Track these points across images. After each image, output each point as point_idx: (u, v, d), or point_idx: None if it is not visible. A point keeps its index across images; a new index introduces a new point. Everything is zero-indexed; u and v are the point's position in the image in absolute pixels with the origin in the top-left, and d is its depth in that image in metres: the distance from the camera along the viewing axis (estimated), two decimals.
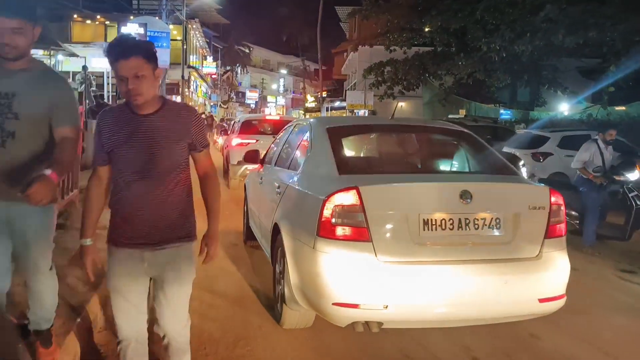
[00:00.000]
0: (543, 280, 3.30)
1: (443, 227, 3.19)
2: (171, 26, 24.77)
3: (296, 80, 79.02)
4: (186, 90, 26.55)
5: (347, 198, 3.15)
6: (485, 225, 3.26)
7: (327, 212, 3.14)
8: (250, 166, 6.64)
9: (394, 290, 3.09)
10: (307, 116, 52.82)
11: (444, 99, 22.30)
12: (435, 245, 3.21)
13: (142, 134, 2.28)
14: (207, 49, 39.63)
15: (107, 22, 24.77)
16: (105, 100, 17.51)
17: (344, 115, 41.28)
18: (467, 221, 3.22)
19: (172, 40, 24.54)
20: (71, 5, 25.46)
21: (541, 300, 3.24)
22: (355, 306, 3.05)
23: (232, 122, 18.62)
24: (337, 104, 40.86)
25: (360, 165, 4.26)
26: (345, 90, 47.17)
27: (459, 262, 3.19)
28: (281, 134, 5.75)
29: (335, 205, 3.14)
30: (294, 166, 4.32)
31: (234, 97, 65.14)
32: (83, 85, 15.55)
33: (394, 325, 3.38)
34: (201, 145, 2.44)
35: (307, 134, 4.28)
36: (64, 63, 20.20)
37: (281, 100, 77.93)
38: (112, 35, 22.80)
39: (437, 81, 23.13)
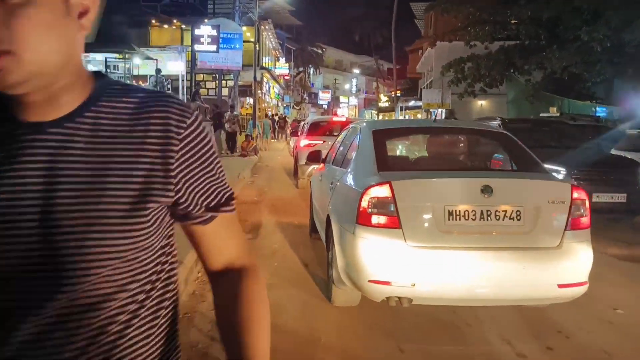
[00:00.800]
0: (563, 268, 3.54)
1: (466, 218, 3.53)
2: (244, 28, 24.63)
3: (369, 80, 78.16)
4: (259, 91, 26.27)
5: (381, 191, 3.58)
6: (506, 216, 3.53)
7: (364, 203, 3.58)
8: (317, 166, 6.97)
9: (421, 270, 3.48)
10: (381, 117, 51.88)
11: (531, 96, 20.47)
12: (458, 234, 3.55)
13: (28, 184, 0.79)
14: (280, 50, 39.55)
15: (183, 26, 25.01)
16: None
17: (419, 115, 39.98)
18: (489, 212, 3.52)
19: (244, 41, 24.38)
20: (150, 11, 26.08)
21: (560, 286, 3.48)
22: (387, 283, 3.48)
23: (302, 123, 18.18)
24: (412, 103, 39.44)
25: (397, 163, 4.71)
26: (421, 89, 45.68)
27: (479, 249, 3.53)
28: (340, 135, 6.27)
29: (371, 197, 3.58)
30: (345, 164, 4.75)
31: (307, 98, 65.17)
32: (157, 88, 15.53)
33: (422, 302, 3.68)
34: (213, 204, 0.96)
35: (357, 136, 4.77)
36: (142, 67, 20.44)
37: (353, 101, 77.27)
38: (187, 38, 22.93)
39: (524, 77, 21.39)
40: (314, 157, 6.50)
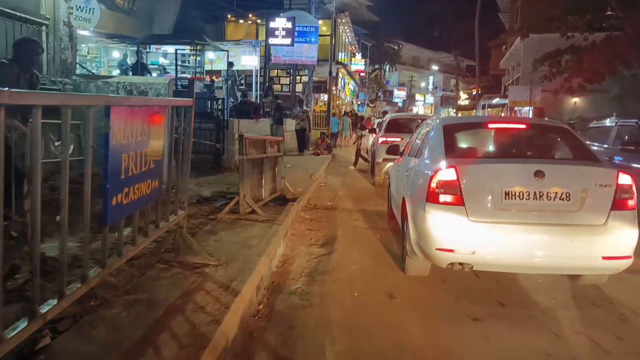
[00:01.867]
0: (608, 243, 4.03)
1: (520, 198, 4.10)
2: (320, 21, 23.70)
3: (446, 77, 75.48)
4: (333, 88, 25.26)
5: (448, 174, 4.23)
6: (557, 197, 4.09)
7: (433, 184, 4.25)
8: (392, 164, 7.88)
9: (479, 241, 4.09)
10: (459, 114, 49.60)
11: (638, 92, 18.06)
12: (513, 211, 4.10)
13: None
14: (356, 46, 38.33)
15: (258, 21, 24.45)
16: (252, 99, 16.70)
17: (502, 113, 37.53)
18: (541, 193, 4.08)
19: (320, 35, 23.46)
20: (226, 5, 25.77)
21: (605, 258, 4.02)
22: (451, 251, 4.12)
23: (379, 120, 17.11)
24: (495, 101, 36.91)
25: (462, 151, 5.09)
26: (504, 87, 43.02)
27: (531, 224, 4.08)
28: (417, 130, 6.95)
29: (439, 180, 4.24)
30: (419, 154, 5.36)
31: (381, 95, 63.64)
32: (228, 83, 14.86)
33: (481, 268, 4.30)
34: None
35: (430, 130, 5.45)
36: (216, 62, 19.97)
37: (430, 99, 74.94)
38: (262, 33, 22.30)
39: (631, 71, 18.98)
40: (393, 150, 7.09)
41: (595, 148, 8.23)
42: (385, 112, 23.70)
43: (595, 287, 4.71)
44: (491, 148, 5.29)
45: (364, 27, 45.30)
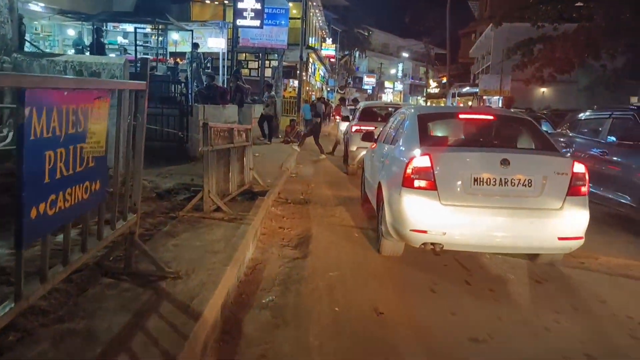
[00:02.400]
0: (563, 225, 4.47)
1: (488, 183, 4.49)
2: (290, 4, 22.85)
3: (415, 65, 75.38)
4: (304, 73, 24.53)
5: (422, 161, 4.58)
6: (520, 183, 4.49)
7: (408, 170, 4.59)
8: (364, 152, 8.26)
9: (450, 223, 4.45)
10: (429, 103, 49.51)
11: (612, 84, 18.00)
12: (481, 195, 4.49)
13: None
14: (327, 30, 37.54)
15: (226, 1, 23.42)
16: (218, 83, 15.85)
17: (469, 102, 37.53)
18: (506, 180, 4.48)
19: (290, 18, 22.62)
20: None
21: (560, 239, 4.46)
22: (424, 232, 4.47)
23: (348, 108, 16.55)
24: (465, 89, 36.82)
25: (435, 140, 5.47)
26: (473, 75, 43.08)
27: (498, 208, 4.48)
28: (391, 119, 7.17)
29: (414, 166, 4.58)
30: (395, 142, 5.72)
31: (351, 82, 63.09)
32: (193, 65, 14.00)
33: (450, 247, 4.63)
34: None
35: (405, 119, 5.83)
36: (181, 43, 18.98)
37: (399, 86, 74.73)
38: (230, 14, 21.34)
39: (599, 62, 18.91)
40: (368, 136, 7.45)
41: (583, 142, 7.88)
42: (355, 100, 23.12)
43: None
44: (462, 137, 5.66)
45: (334, 11, 44.47)
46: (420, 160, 4.56)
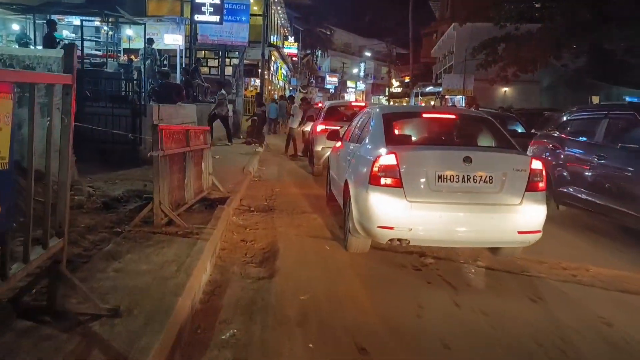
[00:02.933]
0: (522, 219, 4.64)
1: (451, 180, 4.62)
2: (252, 0, 22.09)
3: (378, 65, 75.53)
4: (265, 72, 23.79)
5: (389, 159, 4.67)
6: (482, 180, 4.64)
7: (375, 168, 4.69)
8: (328, 153, 8.28)
9: (416, 219, 4.57)
10: (392, 102, 49.46)
11: (575, 82, 18.04)
12: (445, 192, 4.62)
13: None
14: (289, 29, 36.83)
15: None
16: (174, 81, 14.97)
17: (431, 102, 37.54)
18: (469, 177, 4.62)
19: (251, 15, 21.89)
20: None
21: (520, 232, 4.65)
22: (391, 228, 4.57)
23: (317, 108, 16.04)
24: (428, 89, 36.80)
25: (400, 138, 5.58)
26: (435, 75, 43.22)
27: (461, 204, 4.62)
28: (356, 118, 7.25)
29: (381, 164, 4.68)
30: (360, 141, 5.91)
31: (313, 81, 62.53)
32: (147, 62, 13.11)
33: (416, 243, 4.81)
34: None
35: (370, 118, 6.00)
36: (136, 40, 17.95)
37: (361, 86, 74.64)
38: (188, 10, 20.39)
39: (561, 62, 19.02)
40: (333, 135, 7.53)
41: (575, 144, 7.20)
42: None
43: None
44: (426, 136, 5.80)
45: (296, 10, 43.84)
46: (386, 158, 4.66)
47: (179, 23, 18.31)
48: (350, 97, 66.72)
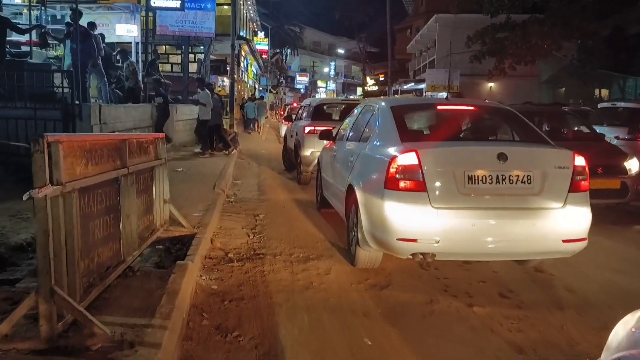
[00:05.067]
0: (567, 225, 3.97)
1: (483, 182, 3.93)
2: None
3: (348, 63, 73.81)
4: (235, 68, 21.24)
5: (409, 159, 3.97)
6: (519, 180, 3.95)
7: (392, 170, 3.98)
8: (321, 151, 7.30)
9: (444, 229, 3.85)
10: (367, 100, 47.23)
11: (584, 74, 16.14)
12: (477, 195, 3.93)
13: None
14: (258, 23, 34.26)
15: None
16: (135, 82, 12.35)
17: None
18: (503, 177, 3.94)
19: (218, 5, 19.40)
20: None
21: (564, 241, 3.96)
22: (414, 241, 3.86)
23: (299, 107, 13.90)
24: (409, 85, 34.82)
25: (417, 134, 5.05)
26: (413, 71, 41.34)
27: (496, 209, 3.93)
28: (351, 114, 6.46)
29: (399, 165, 3.97)
30: (364, 139, 5.15)
31: (283, 81, 60.15)
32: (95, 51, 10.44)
33: (444, 257, 4.10)
34: None
35: (375, 113, 5.21)
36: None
37: (332, 85, 72.79)
38: None
39: (562, 53, 17.22)
40: (326, 134, 6.72)
41: None
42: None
43: None
44: (445, 131, 4.93)
45: (264, 6, 41.46)
46: (405, 157, 4.01)
47: (133, 11, 15.68)
48: (321, 96, 64.69)
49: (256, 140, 20.26)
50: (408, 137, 4.45)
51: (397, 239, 3.90)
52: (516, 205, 3.96)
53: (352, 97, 58.21)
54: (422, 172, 3.91)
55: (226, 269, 4.46)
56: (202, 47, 19.20)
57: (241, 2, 24.90)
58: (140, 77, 11.83)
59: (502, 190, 3.94)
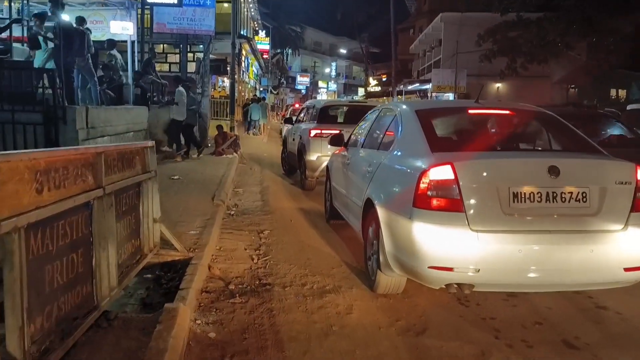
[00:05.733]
0: (629, 251, 3.35)
1: (531, 200, 3.33)
2: None
3: (349, 64, 73.10)
4: (236, 67, 20.46)
5: (443, 172, 3.36)
6: (572, 198, 3.36)
7: (422, 185, 3.38)
8: (330, 157, 6.92)
9: (485, 255, 3.26)
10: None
11: (605, 73, 15.35)
12: (524, 216, 3.34)
13: None
14: (259, 22, 33.45)
15: None
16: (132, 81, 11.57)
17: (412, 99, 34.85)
18: (555, 194, 3.35)
19: (218, 2, 18.62)
20: None
21: (627, 270, 3.33)
22: (449, 269, 3.25)
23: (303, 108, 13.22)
24: (415, 86, 34.08)
25: (450, 143, 4.42)
26: (417, 72, 40.56)
27: (546, 232, 3.32)
28: (366, 118, 5.94)
29: (431, 179, 3.37)
30: (385, 147, 4.57)
31: (284, 82, 59.36)
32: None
33: (484, 289, 3.58)
34: None
35: (396, 118, 4.58)
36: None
37: (332, 86, 72.07)
38: None
39: (575, 52, 16.45)
40: (337, 139, 6.20)
41: None
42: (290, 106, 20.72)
43: None
44: (481, 139, 4.26)
45: (264, 6, 40.71)
46: (439, 171, 3.37)
47: (128, 8, 14.91)
48: (322, 97, 63.97)
49: (258, 142, 19.50)
50: (439, 146, 3.85)
51: (428, 267, 3.32)
52: (570, 227, 3.38)
53: (355, 98, 57.74)
54: (458, 188, 3.33)
55: (227, 307, 3.68)
56: (201, 47, 18.39)
57: (242, 0, 24.11)
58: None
59: (553, 210, 3.37)
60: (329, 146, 6.62)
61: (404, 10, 51.89)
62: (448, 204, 3.36)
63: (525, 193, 3.37)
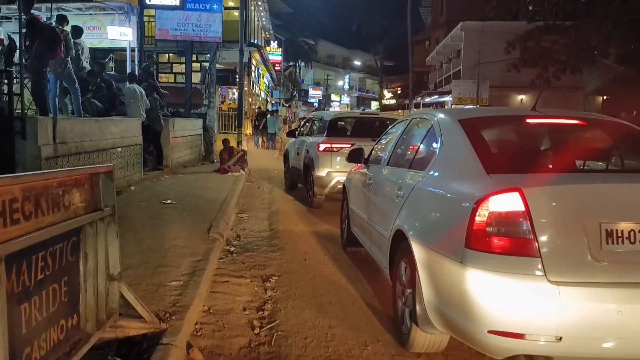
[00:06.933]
0: None
1: (632, 240, 2.49)
2: None
3: (363, 77, 72.21)
4: (245, 78, 19.20)
5: (508, 202, 2.53)
6: None
7: (479, 219, 2.54)
8: (342, 178, 6.55)
9: (571, 318, 2.42)
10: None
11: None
12: (622, 263, 2.50)
13: None
14: (271, 32, 32.32)
15: None
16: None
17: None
18: None
19: (226, 8, 17.53)
20: None
21: None
22: (519, 336, 2.42)
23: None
24: (431, 98, 32.74)
25: (510, 162, 3.30)
26: (434, 83, 39.17)
27: None
28: (391, 130, 5.19)
29: (491, 212, 2.54)
30: (419, 165, 3.74)
31: (297, 95, 58.43)
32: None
33: None
34: None
35: (432, 129, 3.77)
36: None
37: (345, 99, 71.13)
38: None
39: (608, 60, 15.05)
40: (356, 155, 5.40)
41: None
42: (303, 119, 19.65)
43: None
44: (551, 158, 3.40)
45: (277, 18, 39.82)
46: (503, 199, 2.49)
47: (128, 12, 13.77)
48: (334, 110, 63.12)
49: (268, 158, 18.19)
50: (495, 166, 2.94)
51: (488, 331, 2.47)
52: None
53: (368, 110, 56.55)
54: (530, 223, 2.48)
55: None
56: (208, 56, 17.17)
57: (252, 7, 22.96)
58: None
59: None
60: (335, 158, 5.94)
61: (419, 22, 50.80)
62: (516, 245, 2.52)
63: (623, 231, 2.52)
